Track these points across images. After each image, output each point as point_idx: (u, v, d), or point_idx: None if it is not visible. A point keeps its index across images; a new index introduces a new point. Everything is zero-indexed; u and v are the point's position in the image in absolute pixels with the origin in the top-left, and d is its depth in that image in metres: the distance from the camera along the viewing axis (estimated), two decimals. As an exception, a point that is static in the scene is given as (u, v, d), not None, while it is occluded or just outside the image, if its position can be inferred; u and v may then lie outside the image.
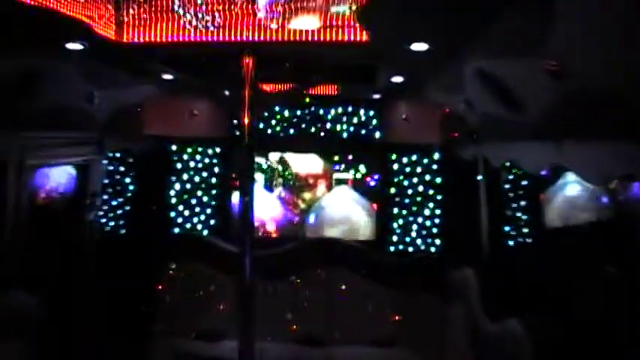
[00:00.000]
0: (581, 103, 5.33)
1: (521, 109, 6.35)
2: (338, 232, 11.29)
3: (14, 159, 7.31)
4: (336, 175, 11.70)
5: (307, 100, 11.08)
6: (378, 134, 11.50)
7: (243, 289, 6.61)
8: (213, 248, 10.63)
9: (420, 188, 11.50)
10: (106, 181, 11.64)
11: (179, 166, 11.86)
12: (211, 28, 6.22)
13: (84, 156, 9.41)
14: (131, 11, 6.40)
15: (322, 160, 11.82)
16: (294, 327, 9.92)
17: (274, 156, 11.87)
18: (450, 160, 11.01)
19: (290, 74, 7.63)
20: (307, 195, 11.93)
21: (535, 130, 6.42)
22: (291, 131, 11.60)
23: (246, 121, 6.44)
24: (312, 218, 11.71)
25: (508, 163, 9.66)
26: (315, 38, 6.09)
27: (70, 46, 6.19)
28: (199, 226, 11.87)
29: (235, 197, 11.69)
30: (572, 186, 10.60)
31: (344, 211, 11.54)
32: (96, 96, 8.12)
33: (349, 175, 11.67)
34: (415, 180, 11.50)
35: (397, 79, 8.31)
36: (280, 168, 11.88)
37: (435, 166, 11.47)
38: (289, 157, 11.88)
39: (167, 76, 8.50)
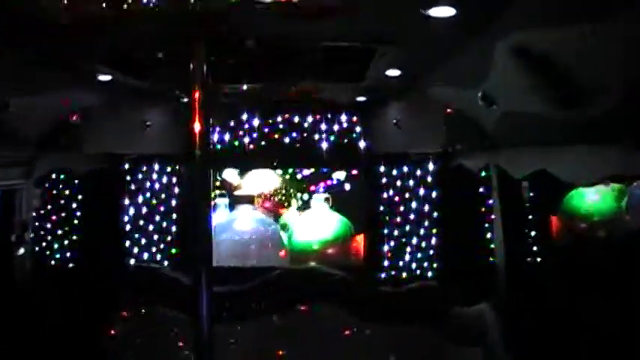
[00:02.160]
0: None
1: (577, 102, 4.43)
2: (236, 255, 9.44)
3: None
4: (237, 192, 9.94)
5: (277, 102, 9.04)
6: (362, 143, 9.55)
7: (199, 333, 4.71)
8: (174, 284, 8.57)
9: (414, 204, 9.65)
10: (49, 207, 9.84)
11: (133, 187, 9.90)
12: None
13: (7, 180, 7.37)
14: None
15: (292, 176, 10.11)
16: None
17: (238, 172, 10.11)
18: (450, 170, 9.11)
19: (254, 65, 5.61)
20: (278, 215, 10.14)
21: (595, 130, 4.52)
22: (262, 143, 9.56)
23: (197, 129, 4.44)
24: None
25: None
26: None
27: None
28: (158, 257, 9.96)
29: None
30: (590, 196, 8.75)
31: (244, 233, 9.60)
32: (11, 104, 6.06)
33: (253, 192, 9.94)
34: (407, 195, 9.66)
35: (393, 72, 6.34)
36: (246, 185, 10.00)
37: (429, 179, 9.64)
38: (258, 172, 10.12)
39: (103, 77, 6.48)
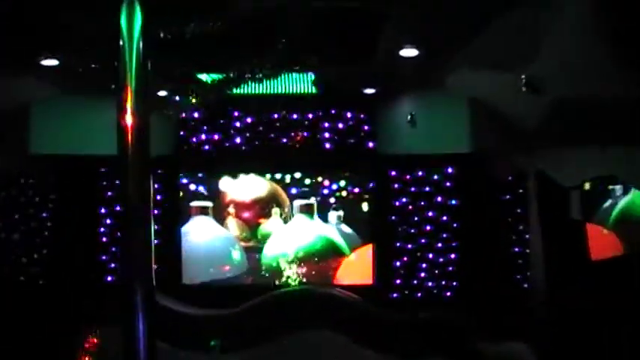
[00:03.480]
0: None
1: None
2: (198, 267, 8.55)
3: None
4: (193, 203, 8.61)
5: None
6: (371, 144, 8.44)
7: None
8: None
9: (430, 214, 8.43)
10: (16, 216, 8.59)
11: (110, 194, 8.65)
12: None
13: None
14: None
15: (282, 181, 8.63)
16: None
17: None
18: (472, 175, 7.85)
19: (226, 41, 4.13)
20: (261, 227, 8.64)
21: None
22: (256, 143, 8.50)
23: (129, 122, 3.02)
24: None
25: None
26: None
27: None
28: None
29: (191, 233, 8.61)
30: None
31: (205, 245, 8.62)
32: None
33: (208, 204, 8.58)
34: (422, 203, 8.45)
35: (408, 51, 4.90)
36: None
37: (448, 184, 8.39)
38: (247, 178, 8.68)
39: (48, 62, 5.14)
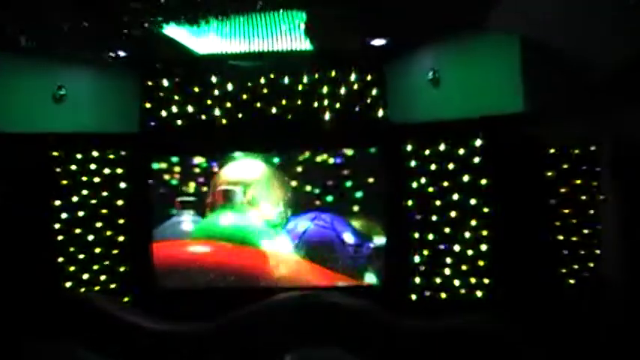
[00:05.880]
0: None
1: None
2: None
3: None
4: (179, 198, 7.71)
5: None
6: (381, 112, 7.25)
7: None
8: (118, 321, 6.46)
9: (455, 197, 6.98)
10: None
11: (65, 182, 7.48)
12: None
13: None
14: None
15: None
16: None
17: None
18: (508, 146, 6.44)
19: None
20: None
21: None
22: (239, 116, 7.37)
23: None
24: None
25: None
26: None
27: None
28: (103, 278, 7.60)
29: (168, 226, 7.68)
30: None
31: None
32: None
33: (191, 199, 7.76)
34: (446, 184, 7.01)
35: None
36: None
37: (477, 160, 6.87)
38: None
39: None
